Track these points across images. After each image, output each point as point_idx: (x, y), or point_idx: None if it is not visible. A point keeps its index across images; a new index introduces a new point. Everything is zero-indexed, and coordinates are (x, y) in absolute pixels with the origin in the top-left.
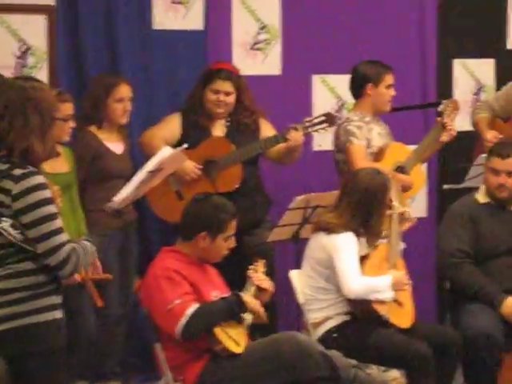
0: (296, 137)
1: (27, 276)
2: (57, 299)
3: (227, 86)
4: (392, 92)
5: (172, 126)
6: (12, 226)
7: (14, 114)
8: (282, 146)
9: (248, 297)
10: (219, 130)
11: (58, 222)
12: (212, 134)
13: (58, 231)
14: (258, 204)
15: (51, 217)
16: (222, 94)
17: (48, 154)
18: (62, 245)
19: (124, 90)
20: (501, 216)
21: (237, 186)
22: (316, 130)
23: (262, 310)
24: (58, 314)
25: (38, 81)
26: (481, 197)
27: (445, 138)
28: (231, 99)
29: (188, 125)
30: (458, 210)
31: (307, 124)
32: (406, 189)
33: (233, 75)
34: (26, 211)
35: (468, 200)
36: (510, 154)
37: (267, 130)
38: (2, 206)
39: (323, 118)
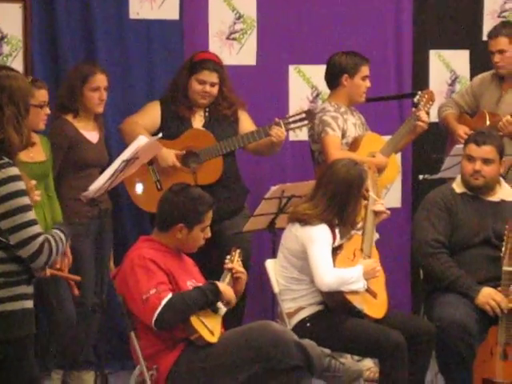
0: (279, 133)
1: None
2: (27, 289)
3: (213, 77)
4: (367, 83)
5: (152, 114)
6: None
7: None
8: (262, 139)
9: (224, 286)
10: (198, 120)
11: (31, 214)
12: (192, 125)
13: (31, 223)
14: (235, 194)
15: (24, 208)
16: (208, 85)
17: (24, 145)
18: (35, 236)
19: (100, 79)
20: (477, 206)
21: (217, 178)
22: (297, 127)
23: (234, 299)
24: (28, 304)
25: (11, 69)
26: (457, 186)
27: (419, 129)
28: (215, 90)
29: (167, 114)
30: (434, 199)
31: (289, 120)
32: (380, 171)
33: (219, 66)
34: None
35: (444, 189)
36: (485, 142)
37: (246, 121)
38: None
39: (303, 115)
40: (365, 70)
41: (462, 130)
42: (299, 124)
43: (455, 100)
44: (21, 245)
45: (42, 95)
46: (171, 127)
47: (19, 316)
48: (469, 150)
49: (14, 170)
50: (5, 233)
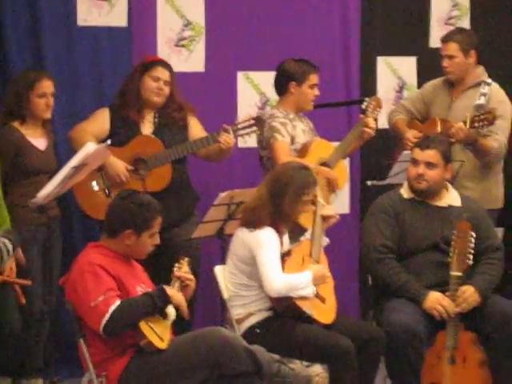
0: (228, 140)
1: None
2: None
3: (166, 75)
4: (316, 92)
5: (101, 120)
6: None
7: None
8: (211, 146)
9: (172, 290)
10: (148, 126)
11: None
12: (141, 131)
13: None
14: (185, 200)
15: None
16: (162, 82)
17: None
18: None
19: (46, 85)
20: (424, 211)
21: (166, 185)
22: (246, 133)
23: (185, 305)
24: None
25: None
26: (405, 192)
27: (366, 135)
28: (168, 90)
29: (116, 120)
30: (382, 204)
31: (238, 126)
32: (331, 183)
33: (170, 67)
34: None
35: (392, 195)
36: (429, 146)
37: (196, 127)
38: None
39: (252, 122)
40: (313, 79)
41: (411, 134)
42: (248, 130)
43: (405, 106)
44: None
45: None
46: (120, 133)
47: None
48: (414, 154)
49: None
50: None
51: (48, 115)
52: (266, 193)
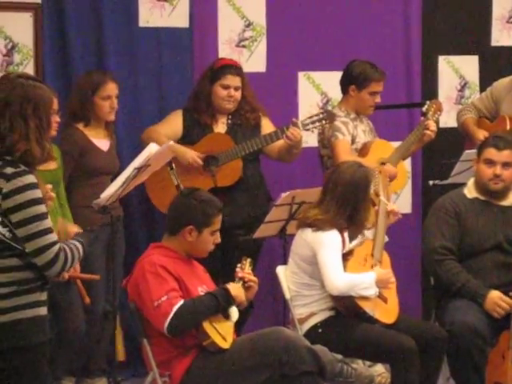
0: (295, 133)
1: (13, 272)
2: (41, 296)
3: (237, 81)
4: (376, 99)
5: (174, 122)
6: (1, 223)
7: (13, 113)
8: (282, 143)
9: (236, 290)
10: (221, 128)
11: (47, 222)
12: (214, 131)
13: (47, 231)
14: (257, 199)
15: (40, 216)
16: (233, 89)
17: (45, 158)
18: (51, 245)
19: (110, 88)
20: (487, 212)
21: (236, 179)
22: (316, 127)
23: (245, 302)
24: (42, 311)
25: (36, 79)
26: (468, 192)
27: (426, 138)
28: (239, 94)
29: (190, 122)
30: (444, 205)
31: (307, 121)
32: (391, 179)
33: (240, 70)
34: (15, 210)
35: (455, 195)
36: (506, 146)
37: (267, 127)
38: None
39: (322, 116)
40: (374, 87)
41: (482, 135)
42: (317, 124)
43: (475, 104)
44: (36, 253)
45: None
46: (193, 134)
47: (33, 323)
48: (489, 155)
49: (31, 178)
50: (20, 240)
51: (112, 117)
52: (332, 198)
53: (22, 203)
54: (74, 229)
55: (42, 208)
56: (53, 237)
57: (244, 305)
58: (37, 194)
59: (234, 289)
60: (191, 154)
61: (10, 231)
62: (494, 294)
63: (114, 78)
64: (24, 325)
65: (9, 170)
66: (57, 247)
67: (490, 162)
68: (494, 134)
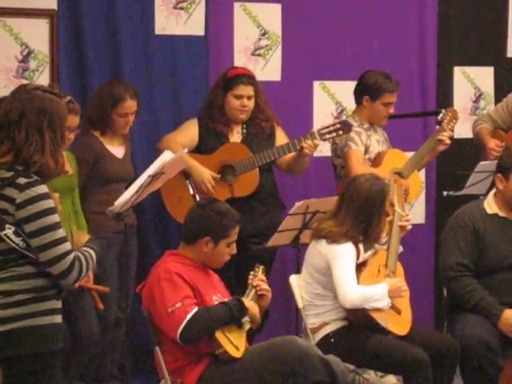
0: (312, 144)
1: (28, 279)
2: (56, 304)
3: (249, 90)
4: (390, 110)
5: (190, 132)
6: (15, 233)
7: (29, 125)
8: (292, 154)
9: (249, 302)
10: (236, 136)
11: (61, 232)
12: (229, 140)
13: (61, 240)
14: (272, 209)
15: (54, 226)
16: (245, 99)
17: (58, 172)
18: (66, 254)
19: (129, 106)
20: (506, 228)
21: (253, 190)
22: (332, 138)
23: (258, 316)
24: (58, 319)
25: (53, 92)
26: (489, 207)
27: (441, 147)
28: (252, 103)
29: (205, 130)
30: (463, 219)
31: (324, 131)
32: (404, 193)
33: (253, 79)
34: (29, 220)
35: (474, 209)
36: None
37: (282, 137)
38: (6, 214)
39: (339, 126)
40: (388, 98)
41: (494, 143)
42: (334, 134)
43: (490, 115)
44: (51, 262)
45: (73, 121)
46: (209, 143)
47: (49, 330)
48: None
49: (43, 188)
50: (34, 250)
51: (126, 132)
52: (348, 211)
53: (35, 213)
54: (87, 238)
55: (55, 218)
56: (67, 246)
57: (257, 321)
58: (50, 203)
59: (248, 301)
60: (207, 176)
61: (23, 241)
62: (509, 314)
63: (135, 93)
64: (40, 331)
65: (22, 181)
66: (72, 256)
67: None
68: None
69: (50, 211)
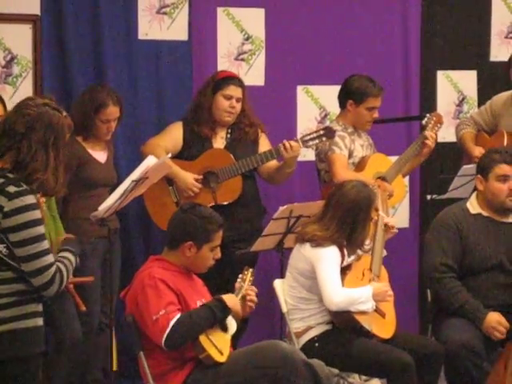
0: (293, 146)
1: (11, 283)
2: (38, 307)
3: (239, 92)
4: (374, 114)
5: (174, 135)
6: None
7: (36, 140)
8: (273, 162)
9: (231, 300)
10: (219, 142)
11: (45, 244)
12: (213, 146)
13: (45, 252)
14: (255, 214)
15: (39, 238)
16: (234, 100)
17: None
18: (48, 267)
19: (111, 112)
20: (490, 229)
21: (236, 197)
22: (315, 144)
23: (240, 316)
24: (39, 322)
25: (61, 111)
26: (472, 207)
27: (426, 150)
28: (240, 107)
29: (189, 135)
30: (446, 220)
31: (307, 138)
32: (388, 197)
33: (242, 83)
34: (15, 230)
35: (457, 210)
36: None
37: (265, 144)
38: None
39: (322, 132)
40: (372, 102)
41: (478, 151)
42: (317, 141)
43: (473, 117)
44: (34, 274)
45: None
46: (192, 148)
47: (30, 334)
48: (501, 171)
49: (31, 199)
50: (17, 259)
51: (107, 138)
52: (334, 216)
53: (21, 224)
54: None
55: (40, 229)
56: (50, 258)
57: (240, 316)
58: (36, 215)
59: (229, 299)
60: (191, 181)
61: (7, 248)
62: (492, 317)
63: (118, 99)
64: (22, 335)
65: (11, 189)
66: (53, 269)
67: (505, 178)
68: (496, 150)
69: (36, 222)
